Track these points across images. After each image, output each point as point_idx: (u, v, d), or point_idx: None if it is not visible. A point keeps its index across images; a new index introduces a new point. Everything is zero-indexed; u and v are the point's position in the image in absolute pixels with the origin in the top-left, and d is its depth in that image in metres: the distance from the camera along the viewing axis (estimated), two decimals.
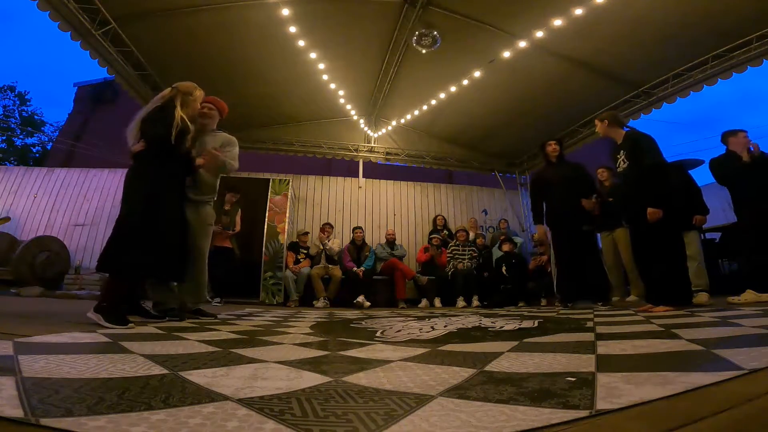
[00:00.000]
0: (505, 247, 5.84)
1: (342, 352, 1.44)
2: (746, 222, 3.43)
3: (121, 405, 0.70)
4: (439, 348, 1.51)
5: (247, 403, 0.74)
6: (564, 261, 3.99)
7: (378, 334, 2.02)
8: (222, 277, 5.05)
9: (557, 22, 4.13)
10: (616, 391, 0.77)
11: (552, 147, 4.13)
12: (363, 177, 7.51)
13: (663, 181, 2.96)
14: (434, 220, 7.05)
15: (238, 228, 5.26)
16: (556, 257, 4.28)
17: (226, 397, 0.77)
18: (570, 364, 1.08)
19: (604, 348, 1.30)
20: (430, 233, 6.72)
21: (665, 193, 2.93)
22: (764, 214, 3.28)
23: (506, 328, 2.13)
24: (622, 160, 3.18)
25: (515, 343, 1.54)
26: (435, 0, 4.18)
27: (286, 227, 6.14)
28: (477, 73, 5.13)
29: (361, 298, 5.36)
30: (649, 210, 2.87)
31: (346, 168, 9.76)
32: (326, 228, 6.11)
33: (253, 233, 5.93)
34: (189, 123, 2.41)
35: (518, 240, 6.49)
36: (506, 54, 4.70)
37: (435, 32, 4.43)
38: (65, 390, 0.77)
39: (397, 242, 6.57)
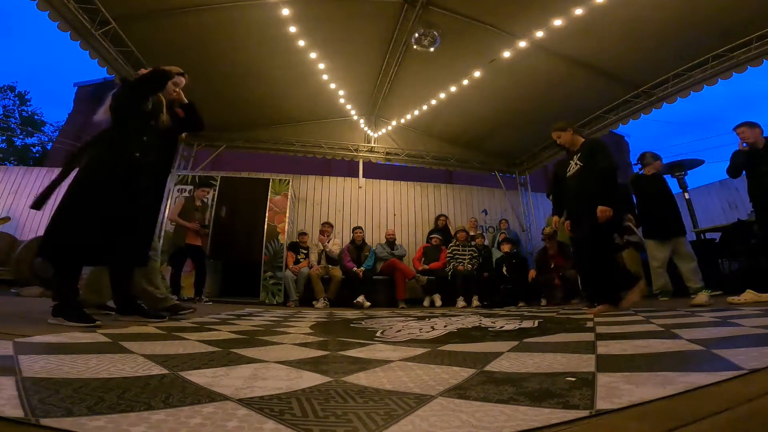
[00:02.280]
0: (505, 248, 5.83)
1: (342, 352, 1.43)
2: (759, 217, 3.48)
3: (121, 405, 0.70)
4: (439, 348, 1.51)
5: (247, 403, 0.74)
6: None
7: (378, 334, 2.02)
8: (200, 277, 5.05)
9: (557, 22, 4.14)
10: (616, 391, 0.77)
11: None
12: (363, 177, 7.51)
13: (615, 183, 3.11)
14: (436, 219, 7.05)
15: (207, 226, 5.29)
16: (574, 253, 4.22)
17: (226, 397, 0.77)
18: (570, 364, 1.08)
19: (604, 348, 1.30)
20: (430, 232, 6.73)
21: (616, 194, 3.07)
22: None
23: (506, 328, 2.13)
24: (575, 163, 3.29)
25: (515, 343, 1.54)
26: (435, 0, 4.19)
27: (286, 227, 6.14)
28: (477, 73, 5.13)
29: (361, 298, 5.36)
30: (600, 208, 2.96)
31: (346, 168, 9.76)
32: (326, 228, 6.10)
33: (253, 233, 5.93)
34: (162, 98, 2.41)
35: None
36: (506, 54, 4.70)
37: (435, 32, 4.43)
38: (65, 390, 0.77)
39: (397, 242, 6.57)
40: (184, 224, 4.90)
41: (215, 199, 5.82)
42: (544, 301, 5.27)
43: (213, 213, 5.64)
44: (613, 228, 3.16)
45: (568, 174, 3.34)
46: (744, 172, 3.57)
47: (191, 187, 5.93)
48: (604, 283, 3.03)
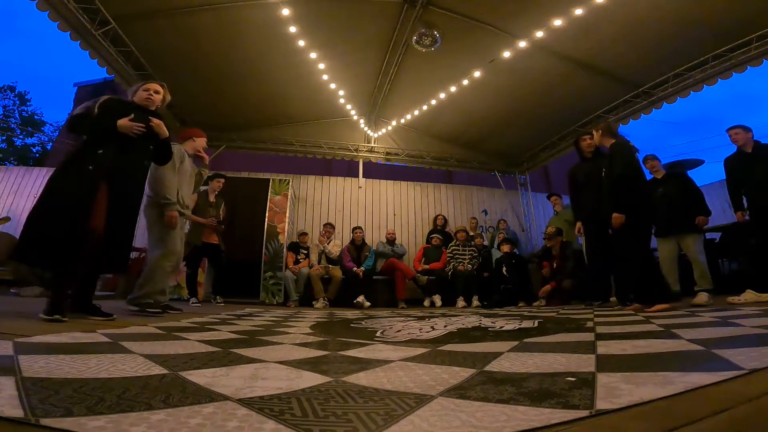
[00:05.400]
0: (505, 248, 5.82)
1: (342, 352, 1.44)
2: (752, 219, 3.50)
3: (121, 405, 0.70)
4: (439, 348, 1.51)
5: (247, 403, 0.74)
6: (592, 258, 4.01)
7: (378, 334, 2.02)
8: (218, 275, 4.98)
9: (557, 22, 4.14)
10: (616, 391, 0.77)
11: (587, 142, 3.97)
12: (363, 177, 7.51)
13: (628, 190, 3.10)
14: (434, 219, 7.05)
15: (222, 222, 4.92)
16: (586, 255, 4.29)
17: (226, 397, 0.77)
18: (570, 364, 1.08)
19: (604, 348, 1.30)
20: (430, 233, 6.73)
21: (630, 201, 3.06)
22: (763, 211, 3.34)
23: (506, 328, 2.13)
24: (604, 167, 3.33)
25: (515, 343, 1.54)
26: (435, 0, 4.19)
27: (286, 227, 6.14)
28: (477, 73, 5.13)
29: (361, 298, 5.36)
30: (614, 215, 3.04)
31: (346, 168, 9.76)
32: (327, 228, 6.10)
33: (253, 233, 5.93)
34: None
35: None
36: (506, 54, 4.70)
37: (435, 32, 4.43)
38: (65, 390, 0.77)
39: (396, 242, 6.58)
40: (199, 221, 4.59)
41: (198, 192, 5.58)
42: (543, 302, 5.26)
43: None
44: (636, 231, 3.12)
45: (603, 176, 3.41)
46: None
47: (207, 188, 5.82)
48: (651, 283, 2.98)
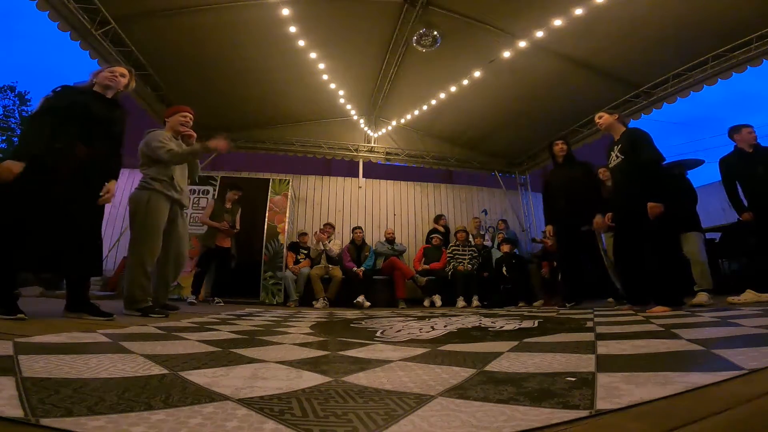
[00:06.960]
0: (504, 248, 5.83)
1: (342, 352, 1.44)
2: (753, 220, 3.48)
3: (121, 405, 0.70)
4: (439, 348, 1.51)
5: (247, 403, 0.74)
6: (564, 261, 4.03)
7: (378, 334, 2.02)
8: (220, 278, 5.04)
9: (557, 22, 4.14)
10: (616, 391, 0.77)
11: (559, 147, 4.10)
12: (363, 177, 7.52)
13: (662, 176, 2.93)
14: (438, 220, 7.03)
15: (238, 227, 5.16)
16: (558, 257, 4.31)
17: (226, 397, 0.77)
18: (570, 364, 1.08)
19: (604, 348, 1.30)
20: (430, 232, 6.73)
21: (664, 188, 2.89)
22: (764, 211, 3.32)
23: (506, 328, 2.13)
24: (616, 155, 3.18)
25: (515, 343, 1.54)
26: (435, 0, 4.19)
27: (286, 227, 6.15)
28: (477, 73, 5.13)
29: (361, 298, 5.36)
30: (650, 204, 2.79)
31: (346, 168, 9.75)
32: (327, 228, 6.10)
33: (253, 233, 5.93)
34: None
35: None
36: (506, 54, 4.70)
37: (435, 32, 4.43)
38: (65, 390, 0.77)
39: (396, 241, 6.57)
40: (214, 225, 4.88)
41: (215, 198, 5.81)
42: (541, 302, 5.26)
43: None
44: (673, 223, 2.94)
45: (609, 165, 3.28)
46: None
47: (207, 187, 6.04)
48: (666, 282, 2.81)
